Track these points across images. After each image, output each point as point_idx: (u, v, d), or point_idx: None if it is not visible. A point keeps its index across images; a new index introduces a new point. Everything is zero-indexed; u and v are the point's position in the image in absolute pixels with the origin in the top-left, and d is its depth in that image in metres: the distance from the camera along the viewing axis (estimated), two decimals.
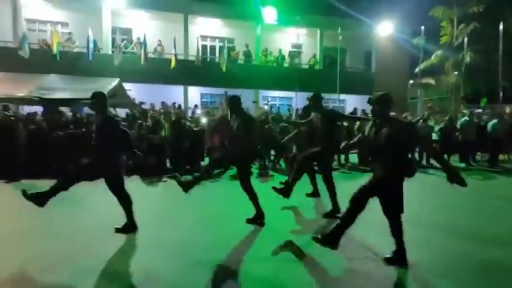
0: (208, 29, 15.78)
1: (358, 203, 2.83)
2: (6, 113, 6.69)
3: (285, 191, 4.35)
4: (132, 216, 3.63)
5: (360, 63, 18.31)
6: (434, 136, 9.45)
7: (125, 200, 3.60)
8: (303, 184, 4.99)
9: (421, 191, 6.24)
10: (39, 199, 3.30)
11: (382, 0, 16.25)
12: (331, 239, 2.88)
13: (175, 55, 12.90)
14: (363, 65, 18.26)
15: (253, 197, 3.93)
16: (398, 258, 2.92)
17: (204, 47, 14.61)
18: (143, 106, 11.36)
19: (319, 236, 2.94)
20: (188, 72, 13.53)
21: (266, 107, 11.44)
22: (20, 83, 9.27)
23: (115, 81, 10.14)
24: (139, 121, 7.60)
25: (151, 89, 13.19)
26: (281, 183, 4.84)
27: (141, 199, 4.08)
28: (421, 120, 9.45)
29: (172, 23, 14.68)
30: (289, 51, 16.69)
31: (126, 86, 11.27)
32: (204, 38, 15.92)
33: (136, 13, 14.48)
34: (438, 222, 4.25)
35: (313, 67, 15.74)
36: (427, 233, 3.81)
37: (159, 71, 13.11)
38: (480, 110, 14.45)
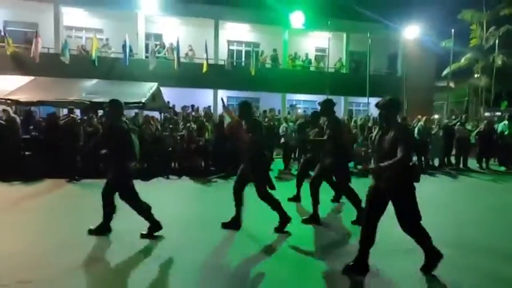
0: (235, 34, 16.09)
1: (370, 222, 2.77)
2: (72, 115, 7.07)
3: (315, 219, 4.20)
4: (153, 218, 3.61)
5: (384, 67, 18.25)
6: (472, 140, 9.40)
7: (137, 208, 3.57)
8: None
9: (458, 193, 6.25)
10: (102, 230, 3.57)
11: (407, 4, 16.16)
12: (360, 265, 2.80)
13: (207, 60, 13.22)
14: (386, 68, 18.19)
15: (274, 204, 3.81)
16: (432, 264, 2.80)
17: (231, 51, 14.87)
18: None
19: (347, 267, 2.81)
20: (218, 76, 13.83)
21: (299, 111, 11.55)
22: (67, 87, 9.75)
23: (154, 86, 10.53)
24: (188, 124, 7.87)
25: (182, 92, 13.55)
26: (290, 199, 4.99)
27: (188, 199, 4.13)
28: (458, 123, 9.43)
29: (201, 28, 15.06)
30: (315, 55, 16.82)
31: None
32: (231, 42, 16.28)
33: (167, 19, 14.92)
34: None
35: (340, 71, 15.79)
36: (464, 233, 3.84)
37: (190, 75, 13.44)
38: (499, 113, 14.23)
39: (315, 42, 17.25)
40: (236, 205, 3.89)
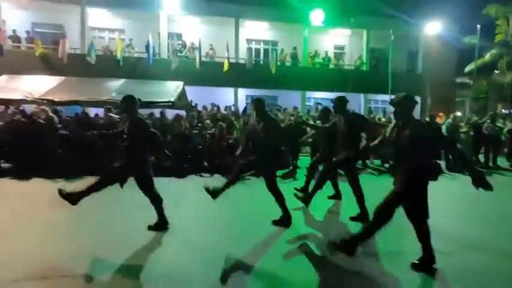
0: (253, 32, 16.16)
1: (384, 215, 2.74)
2: (111, 115, 7.29)
3: (306, 199, 4.39)
4: (163, 214, 3.75)
5: (404, 63, 18.01)
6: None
7: (155, 200, 3.68)
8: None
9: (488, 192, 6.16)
10: (72, 198, 3.52)
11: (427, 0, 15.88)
12: (349, 246, 2.84)
13: (228, 58, 13.34)
14: (406, 65, 17.95)
15: (279, 199, 3.90)
16: (425, 265, 2.81)
17: (249, 49, 14.91)
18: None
19: (337, 242, 2.88)
20: (238, 74, 13.93)
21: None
22: (97, 86, 10.03)
23: (180, 85, 10.73)
24: (219, 122, 8.00)
25: (202, 91, 13.70)
26: (297, 189, 4.90)
27: (224, 196, 4.05)
28: (489, 121, 9.28)
29: (220, 27, 15.18)
30: (334, 53, 16.75)
31: None
32: (249, 41, 16.35)
33: (186, 18, 15.07)
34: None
35: (360, 68, 15.68)
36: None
37: (211, 74, 13.57)
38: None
39: (334, 40, 17.16)
40: (279, 203, 3.92)
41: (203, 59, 14.12)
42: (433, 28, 15.48)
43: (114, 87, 9.87)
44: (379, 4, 14.91)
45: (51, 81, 10.12)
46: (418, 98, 13.06)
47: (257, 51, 16.50)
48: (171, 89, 10.28)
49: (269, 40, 16.74)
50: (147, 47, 13.48)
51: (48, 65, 12.61)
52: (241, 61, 14.43)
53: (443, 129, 8.88)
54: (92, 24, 14.96)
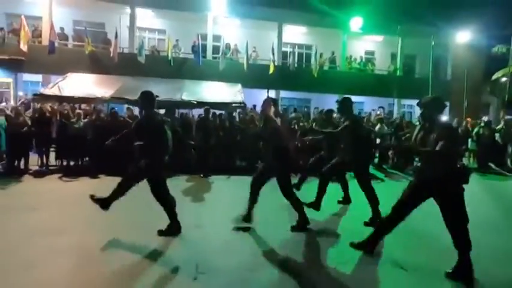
0: (290, 36, 16.46)
1: (400, 212, 2.83)
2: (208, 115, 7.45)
3: (315, 205, 4.36)
4: (175, 217, 3.56)
5: (426, 69, 18.60)
6: None
7: (165, 204, 3.50)
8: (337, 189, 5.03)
9: None
10: (102, 202, 3.49)
11: (458, 6, 16.47)
12: (367, 245, 3.01)
13: (274, 61, 13.61)
14: (432, 72, 18.55)
15: (296, 203, 3.81)
16: (462, 273, 2.70)
17: (293, 53, 15.19)
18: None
19: (355, 242, 3.05)
20: (280, 77, 14.20)
21: (378, 112, 11.92)
22: (163, 87, 10.10)
23: (239, 86, 10.94)
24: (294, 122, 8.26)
25: (246, 92, 13.93)
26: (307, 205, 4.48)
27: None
28: None
29: (258, 30, 15.45)
30: (365, 58, 17.22)
31: None
32: (285, 44, 16.65)
33: (226, 21, 15.27)
34: None
35: (394, 73, 16.18)
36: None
37: (256, 76, 13.79)
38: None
39: (364, 46, 17.65)
40: (296, 208, 3.82)
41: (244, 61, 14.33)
42: (463, 36, 16.11)
43: (179, 87, 9.98)
44: (414, 12, 15.46)
45: (114, 80, 10.17)
46: (447, 104, 13.61)
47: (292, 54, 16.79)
48: (234, 90, 10.49)
49: (303, 44, 17.10)
50: (193, 47, 13.67)
51: (98, 63, 12.62)
52: (278, 64, 14.70)
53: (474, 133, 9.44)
54: (128, 23, 15.02)
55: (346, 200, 5.07)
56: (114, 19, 14.51)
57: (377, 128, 9.11)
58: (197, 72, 12.85)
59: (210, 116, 7.97)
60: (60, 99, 8.76)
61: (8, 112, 7.46)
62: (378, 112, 11.70)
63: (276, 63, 14.71)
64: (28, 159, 7.27)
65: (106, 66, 12.41)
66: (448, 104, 16.53)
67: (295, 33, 16.42)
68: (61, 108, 9.51)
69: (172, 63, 12.85)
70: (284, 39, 16.41)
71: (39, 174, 7.09)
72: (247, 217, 3.97)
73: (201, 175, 7.16)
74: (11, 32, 12.54)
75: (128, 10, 14.24)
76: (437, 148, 2.57)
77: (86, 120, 7.94)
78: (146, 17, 14.77)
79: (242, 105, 9.23)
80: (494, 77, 16.57)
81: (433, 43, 14.05)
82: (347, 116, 4.23)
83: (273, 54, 13.67)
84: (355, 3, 14.58)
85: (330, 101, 16.30)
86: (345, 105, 4.28)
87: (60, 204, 4.90)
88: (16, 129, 6.90)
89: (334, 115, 5.88)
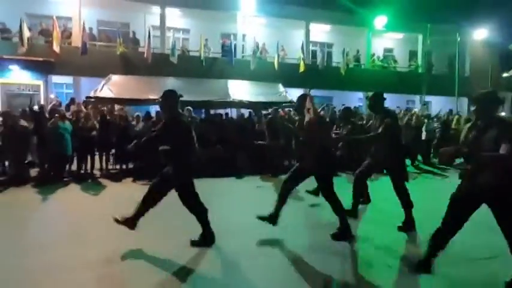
0: (314, 35, 16.51)
1: (456, 218, 2.53)
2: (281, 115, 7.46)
3: (351, 212, 4.01)
4: (209, 226, 3.30)
5: (444, 66, 18.98)
6: None
7: (195, 211, 3.27)
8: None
9: None
10: (128, 223, 3.25)
11: (474, 6, 16.85)
12: (424, 264, 2.71)
13: (304, 60, 13.66)
14: (447, 68, 18.93)
15: (337, 207, 3.49)
16: None
17: (322, 51, 15.27)
18: None
19: (417, 264, 2.74)
20: (309, 75, 14.25)
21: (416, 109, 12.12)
22: (204, 87, 10.04)
23: (279, 86, 10.96)
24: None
25: None
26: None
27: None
28: None
29: (282, 28, 15.47)
30: (384, 55, 17.44)
31: None
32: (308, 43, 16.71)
33: (251, 20, 15.21)
34: None
35: (416, 70, 16.45)
36: None
37: (286, 74, 13.78)
38: None
39: (383, 43, 17.87)
40: (336, 212, 3.49)
41: (271, 59, 14.33)
42: (480, 34, 16.49)
43: (224, 87, 9.92)
44: (434, 11, 15.74)
45: (158, 81, 10.04)
46: (465, 100, 13.87)
47: (313, 52, 16.88)
48: (279, 89, 10.52)
49: (324, 42, 17.19)
50: (223, 47, 13.61)
51: (129, 64, 12.42)
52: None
53: None
54: (156, 23, 14.80)
55: (366, 199, 4.78)
56: (139, 19, 14.34)
57: (425, 124, 9.27)
58: (228, 71, 12.80)
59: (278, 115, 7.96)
60: (114, 101, 8.61)
61: (66, 113, 7.34)
62: (416, 109, 11.87)
63: (308, 62, 14.82)
64: (94, 163, 7.16)
65: (137, 67, 12.22)
66: (467, 100, 16.94)
67: (318, 32, 16.48)
68: (107, 111, 9.34)
69: (204, 63, 12.75)
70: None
71: (109, 177, 7.01)
72: (273, 219, 3.61)
73: (270, 175, 7.19)
74: (40, 33, 12.21)
75: (154, 9, 14.06)
76: (503, 151, 2.24)
77: (142, 123, 7.83)
78: (171, 17, 14.58)
79: (292, 104, 9.25)
80: (505, 74, 17.06)
81: (458, 39, 14.38)
82: (383, 113, 3.80)
83: (303, 52, 13.71)
84: (379, 1, 14.75)
85: (351, 98, 16.64)
86: (378, 101, 3.85)
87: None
88: (86, 134, 6.77)
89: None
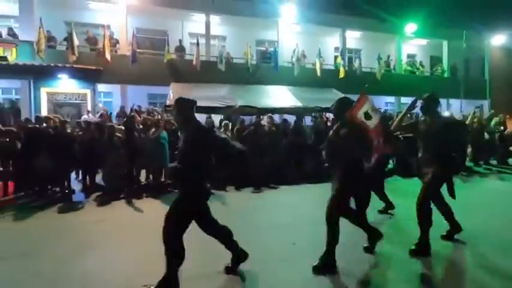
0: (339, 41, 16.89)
1: None
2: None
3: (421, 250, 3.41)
4: (236, 248, 2.93)
5: (461, 70, 19.74)
6: None
7: (218, 235, 2.89)
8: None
9: None
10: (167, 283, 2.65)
11: (492, 13, 17.68)
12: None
13: (344, 66, 13.94)
14: (463, 72, 19.69)
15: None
16: None
17: (359, 58, 15.51)
18: None
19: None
20: (347, 81, 14.53)
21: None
22: (261, 94, 10.12)
23: (333, 90, 11.17)
24: None
25: None
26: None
27: None
28: None
29: (313, 35, 15.74)
30: (407, 61, 18.00)
31: None
32: (336, 49, 17.04)
33: (288, 27, 15.36)
34: None
35: (442, 75, 17.05)
36: None
37: (325, 80, 14.00)
38: None
39: (407, 49, 18.42)
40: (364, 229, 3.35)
41: (310, 66, 14.56)
42: (499, 39, 17.30)
43: (285, 93, 10.05)
44: (458, 18, 16.43)
45: (221, 88, 10.05)
46: (486, 102, 14.32)
47: (349, 59, 17.18)
48: (330, 95, 10.72)
49: (353, 48, 17.56)
50: (265, 53, 13.72)
51: (177, 72, 12.34)
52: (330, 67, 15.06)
53: None
54: (192, 31, 14.80)
55: (390, 206, 4.75)
56: (177, 27, 14.28)
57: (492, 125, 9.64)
58: (272, 77, 12.93)
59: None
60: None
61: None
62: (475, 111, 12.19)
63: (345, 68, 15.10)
64: None
65: (184, 75, 12.19)
66: (486, 102, 17.56)
67: (348, 38, 16.84)
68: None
69: (251, 70, 12.83)
70: (337, 44, 16.82)
71: None
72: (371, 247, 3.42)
73: None
74: (86, 41, 12.00)
75: (193, 17, 14.07)
76: None
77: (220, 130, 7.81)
78: (203, 24, 14.54)
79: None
80: None
81: (492, 43, 14.88)
82: (437, 117, 3.61)
83: (343, 58, 14.00)
84: (410, 9, 15.29)
85: (377, 102, 17.00)
86: (429, 104, 3.63)
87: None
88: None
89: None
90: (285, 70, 13.56)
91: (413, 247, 3.36)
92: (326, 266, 2.98)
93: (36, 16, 11.36)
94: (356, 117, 3.06)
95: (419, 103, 3.69)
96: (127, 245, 3.64)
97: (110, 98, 13.46)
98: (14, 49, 10.75)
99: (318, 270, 2.96)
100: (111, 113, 10.95)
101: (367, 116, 3.05)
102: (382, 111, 13.65)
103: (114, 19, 12.90)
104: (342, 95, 11.02)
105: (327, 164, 3.26)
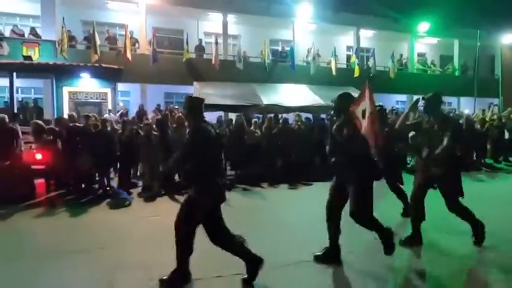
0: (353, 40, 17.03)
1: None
2: None
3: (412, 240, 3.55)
4: (248, 255, 2.73)
5: (472, 69, 19.90)
6: None
7: (229, 248, 2.72)
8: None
9: None
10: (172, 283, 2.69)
11: (503, 13, 17.84)
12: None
13: (359, 65, 14.08)
14: (472, 71, 19.86)
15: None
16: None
17: (374, 58, 15.66)
18: None
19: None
20: (362, 80, 14.66)
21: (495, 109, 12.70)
22: (291, 92, 10.26)
23: (352, 89, 11.28)
24: None
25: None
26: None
27: None
28: None
29: (325, 35, 15.87)
30: (418, 59, 18.16)
31: None
32: (348, 48, 17.19)
33: (299, 26, 15.52)
34: None
35: (453, 73, 17.23)
36: None
37: (340, 79, 14.12)
38: None
39: (417, 48, 18.56)
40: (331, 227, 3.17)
41: (324, 65, 14.68)
42: (509, 38, 17.49)
43: (309, 92, 10.19)
44: (469, 17, 16.58)
45: (243, 87, 10.17)
46: (497, 100, 14.55)
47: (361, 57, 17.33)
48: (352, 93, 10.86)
49: (364, 47, 17.69)
50: (281, 53, 13.84)
51: (195, 71, 12.45)
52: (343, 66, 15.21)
53: None
54: (207, 30, 14.92)
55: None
56: (192, 26, 14.37)
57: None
58: (287, 76, 13.06)
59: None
60: (221, 108, 8.67)
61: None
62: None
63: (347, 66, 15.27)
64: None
65: (203, 74, 12.30)
66: (497, 100, 17.75)
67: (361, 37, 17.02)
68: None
69: (268, 69, 12.96)
70: (349, 43, 16.97)
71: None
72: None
73: None
74: (106, 40, 12.08)
75: (209, 16, 14.19)
76: None
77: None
78: (219, 23, 14.64)
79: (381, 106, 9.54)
80: None
81: (503, 42, 15.00)
82: (441, 116, 3.58)
83: (357, 57, 14.14)
84: (422, 8, 15.43)
85: (389, 100, 17.18)
86: (435, 103, 3.59)
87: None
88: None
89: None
90: (300, 69, 13.69)
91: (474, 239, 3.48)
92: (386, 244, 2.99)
93: (57, 16, 11.45)
94: (354, 113, 2.89)
95: (421, 102, 3.68)
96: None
97: (128, 96, 13.57)
98: (36, 48, 10.83)
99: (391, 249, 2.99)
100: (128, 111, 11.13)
101: (364, 113, 2.82)
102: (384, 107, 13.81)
103: (132, 18, 12.99)
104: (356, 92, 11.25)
105: (333, 160, 3.12)
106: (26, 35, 11.16)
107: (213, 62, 12.09)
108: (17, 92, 12.46)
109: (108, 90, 11.80)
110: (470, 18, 16.52)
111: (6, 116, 5.85)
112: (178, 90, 13.77)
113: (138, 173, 7.67)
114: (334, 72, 13.67)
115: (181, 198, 5.59)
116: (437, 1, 15.50)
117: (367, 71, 14.61)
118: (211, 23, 14.59)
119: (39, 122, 6.25)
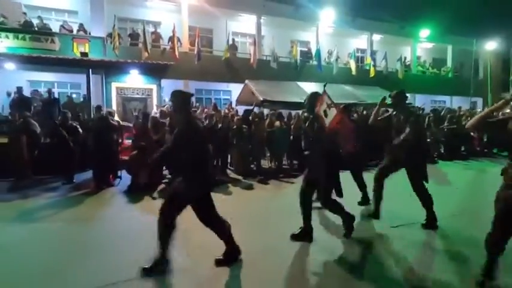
0: (362, 43, 18.58)
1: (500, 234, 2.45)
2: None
3: (375, 214, 4.24)
4: (233, 245, 3.02)
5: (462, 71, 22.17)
6: None
7: (218, 231, 2.94)
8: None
9: None
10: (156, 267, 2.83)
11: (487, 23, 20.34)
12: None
13: (375, 66, 15.61)
14: (465, 73, 22.10)
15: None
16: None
17: (385, 59, 17.19)
18: None
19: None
20: (377, 79, 16.18)
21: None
22: (342, 91, 11.43)
23: (377, 88, 12.76)
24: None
25: None
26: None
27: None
28: None
29: (339, 37, 17.28)
30: (423, 62, 20.17)
31: None
32: (357, 50, 18.72)
33: (321, 29, 16.70)
34: None
35: (447, 75, 19.40)
36: None
37: (360, 79, 15.47)
38: None
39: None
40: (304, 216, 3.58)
41: (341, 65, 16.04)
42: (491, 45, 20.00)
43: (350, 91, 11.44)
44: (459, 26, 18.80)
45: (294, 86, 11.20)
46: (480, 99, 17.13)
47: (361, 58, 18.93)
48: (376, 91, 12.30)
49: (372, 50, 19.35)
50: (307, 53, 14.96)
51: (234, 69, 13.26)
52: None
53: None
54: (235, 30, 15.67)
55: (365, 200, 4.87)
56: (221, 25, 15.06)
57: None
58: (312, 75, 14.26)
59: None
60: (280, 105, 9.64)
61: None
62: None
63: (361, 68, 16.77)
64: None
65: (239, 72, 13.15)
66: (481, 99, 20.22)
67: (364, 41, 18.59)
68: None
69: (298, 68, 14.08)
70: (357, 45, 18.48)
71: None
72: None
73: None
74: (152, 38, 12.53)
75: (238, 17, 14.96)
76: None
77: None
78: (247, 23, 15.44)
79: (413, 106, 11.09)
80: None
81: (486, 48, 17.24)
82: (406, 111, 4.03)
83: (373, 59, 15.66)
84: (424, 17, 17.37)
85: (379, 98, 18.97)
86: (401, 100, 4.03)
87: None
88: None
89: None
90: (326, 69, 14.93)
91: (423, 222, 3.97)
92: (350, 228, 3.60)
93: (105, 13, 11.74)
94: (319, 113, 3.29)
95: (388, 99, 4.15)
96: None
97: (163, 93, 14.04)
98: (87, 44, 11.11)
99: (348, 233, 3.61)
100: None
101: (325, 113, 3.24)
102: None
103: (168, 17, 13.48)
104: (387, 92, 12.68)
105: (306, 152, 3.55)
106: (74, 31, 11.36)
107: (251, 61, 12.98)
108: (53, 87, 12.64)
109: (154, 87, 12.30)
110: (461, 27, 18.80)
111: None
112: (206, 86, 14.49)
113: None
114: (354, 72, 15.07)
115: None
116: (436, 12, 17.54)
117: (380, 72, 16.22)
118: (239, 23, 15.37)
119: (157, 116, 6.91)
